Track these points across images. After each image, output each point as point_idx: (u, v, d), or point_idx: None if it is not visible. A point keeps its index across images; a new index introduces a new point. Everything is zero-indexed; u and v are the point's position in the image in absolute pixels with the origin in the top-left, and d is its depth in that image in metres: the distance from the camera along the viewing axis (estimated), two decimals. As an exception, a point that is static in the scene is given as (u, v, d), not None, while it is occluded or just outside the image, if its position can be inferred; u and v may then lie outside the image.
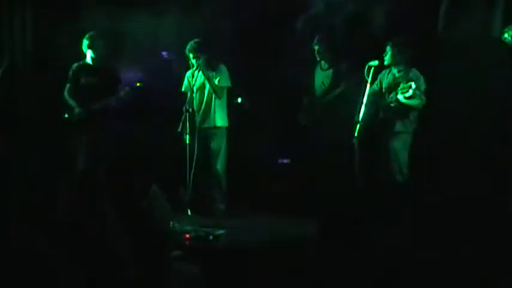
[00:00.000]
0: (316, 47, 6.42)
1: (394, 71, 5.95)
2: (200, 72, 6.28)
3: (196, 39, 6.28)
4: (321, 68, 6.52)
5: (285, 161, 6.85)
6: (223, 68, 6.36)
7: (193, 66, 6.32)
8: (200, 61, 6.21)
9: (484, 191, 5.30)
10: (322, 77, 6.51)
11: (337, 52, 6.39)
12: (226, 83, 6.37)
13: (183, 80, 6.47)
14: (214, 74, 6.31)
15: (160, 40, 6.89)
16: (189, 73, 6.41)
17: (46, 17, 7.03)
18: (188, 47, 6.28)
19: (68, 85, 6.48)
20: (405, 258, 2.76)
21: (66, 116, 6.40)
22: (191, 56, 6.27)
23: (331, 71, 6.44)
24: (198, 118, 6.36)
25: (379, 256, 2.69)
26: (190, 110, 6.22)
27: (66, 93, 6.46)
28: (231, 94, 6.59)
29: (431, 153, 5.84)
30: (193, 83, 6.36)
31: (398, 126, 5.87)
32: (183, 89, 6.46)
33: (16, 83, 6.97)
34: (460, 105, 5.80)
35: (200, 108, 6.38)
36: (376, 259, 2.67)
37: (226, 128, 6.44)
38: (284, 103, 6.85)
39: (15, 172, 5.19)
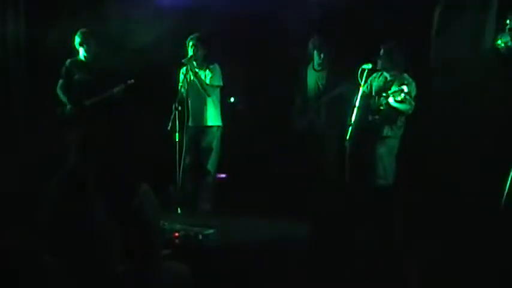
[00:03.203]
0: (312, 47, 6.42)
1: (386, 74, 5.96)
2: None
3: (198, 33, 6.29)
4: (314, 68, 6.53)
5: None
6: (216, 66, 6.35)
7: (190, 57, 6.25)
8: (197, 54, 6.20)
9: (472, 190, 5.34)
10: (316, 77, 6.51)
11: (332, 53, 6.40)
12: (218, 82, 6.36)
13: (177, 77, 6.43)
14: (207, 71, 6.31)
15: (153, 37, 6.86)
16: (183, 69, 6.35)
17: (39, 13, 7.00)
18: (190, 37, 6.26)
19: (60, 81, 6.47)
20: (392, 258, 2.78)
21: (59, 111, 6.39)
22: (191, 44, 6.23)
23: (325, 71, 6.45)
24: (190, 115, 6.33)
25: (366, 256, 2.71)
26: (179, 108, 6.19)
27: (58, 89, 6.46)
28: (224, 93, 6.58)
29: (420, 158, 5.88)
30: (186, 79, 6.30)
31: (387, 130, 5.87)
32: (179, 87, 6.32)
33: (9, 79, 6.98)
34: (452, 111, 5.84)
35: (192, 106, 6.36)
36: (363, 259, 2.69)
37: (219, 127, 6.42)
38: (278, 103, 6.86)
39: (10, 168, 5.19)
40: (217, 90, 6.42)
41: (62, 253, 2.39)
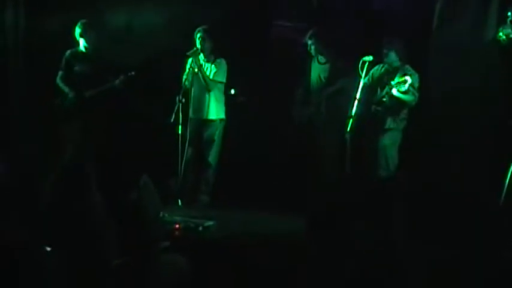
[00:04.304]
0: (309, 42, 6.41)
1: (388, 66, 5.96)
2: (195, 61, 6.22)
3: (206, 26, 6.25)
4: (318, 61, 6.51)
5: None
6: (222, 62, 6.32)
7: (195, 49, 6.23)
8: (204, 46, 6.17)
9: (472, 186, 5.34)
10: (319, 70, 6.49)
11: (333, 46, 6.38)
12: (222, 78, 6.33)
13: (181, 69, 6.39)
14: (213, 66, 6.28)
15: (155, 29, 6.85)
16: (189, 61, 6.30)
17: (38, 3, 6.98)
18: (198, 29, 6.22)
19: (60, 72, 6.47)
20: (390, 254, 2.79)
21: (59, 102, 6.39)
22: (198, 36, 6.19)
23: (328, 65, 6.43)
24: (192, 108, 6.32)
25: (365, 252, 2.71)
26: (183, 100, 6.18)
27: (59, 80, 6.45)
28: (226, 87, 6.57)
29: (420, 151, 5.88)
30: (191, 72, 6.27)
31: (389, 122, 5.88)
32: (184, 79, 6.26)
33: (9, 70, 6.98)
34: (451, 103, 5.83)
35: (196, 98, 6.33)
36: (362, 255, 2.70)
37: (222, 120, 6.39)
38: (278, 96, 6.85)
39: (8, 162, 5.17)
40: (220, 84, 6.40)
41: (60, 247, 2.40)
